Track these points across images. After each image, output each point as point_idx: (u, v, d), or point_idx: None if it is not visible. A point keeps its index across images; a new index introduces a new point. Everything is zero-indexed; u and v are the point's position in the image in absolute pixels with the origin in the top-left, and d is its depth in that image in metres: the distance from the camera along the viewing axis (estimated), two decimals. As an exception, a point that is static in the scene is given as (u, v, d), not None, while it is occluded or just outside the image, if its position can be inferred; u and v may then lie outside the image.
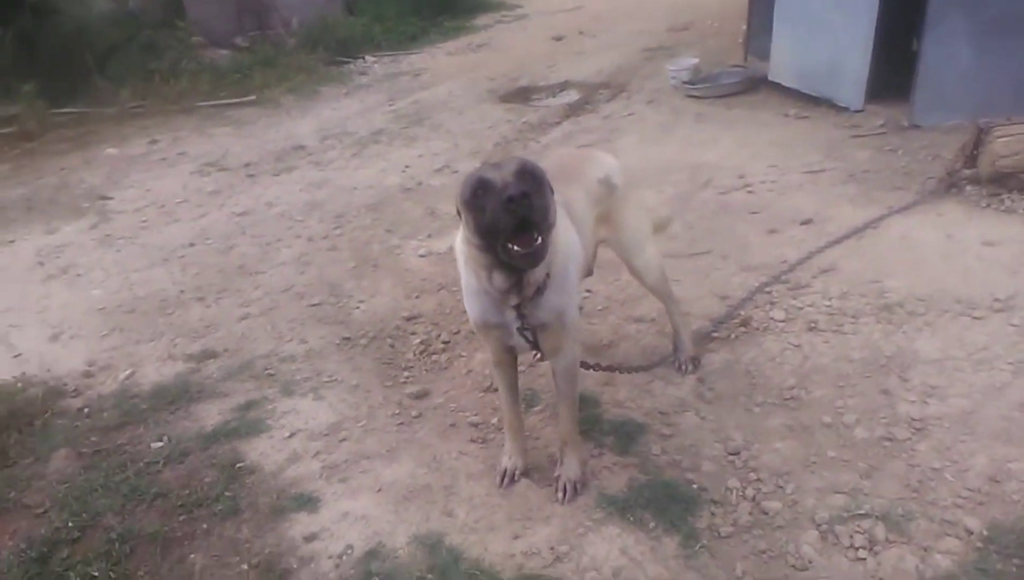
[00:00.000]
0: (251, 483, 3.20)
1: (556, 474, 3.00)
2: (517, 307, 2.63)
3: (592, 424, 3.32)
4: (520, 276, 2.53)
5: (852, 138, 6.16)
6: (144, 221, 6.47)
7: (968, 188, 4.85)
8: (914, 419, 3.11)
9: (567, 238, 2.73)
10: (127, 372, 4.14)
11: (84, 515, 3.09)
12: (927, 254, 4.23)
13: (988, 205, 4.68)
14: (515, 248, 2.34)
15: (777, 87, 7.67)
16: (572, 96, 9.27)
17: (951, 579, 2.45)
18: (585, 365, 3.30)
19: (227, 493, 3.15)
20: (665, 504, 2.85)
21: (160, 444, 3.50)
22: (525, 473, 3.08)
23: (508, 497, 2.99)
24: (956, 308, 3.73)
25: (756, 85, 7.99)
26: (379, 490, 3.09)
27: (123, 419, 3.71)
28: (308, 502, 3.06)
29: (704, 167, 6.00)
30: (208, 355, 4.23)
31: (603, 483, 3.00)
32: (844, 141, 6.12)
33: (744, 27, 8.81)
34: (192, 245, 5.81)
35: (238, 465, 3.31)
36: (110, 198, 7.16)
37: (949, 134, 5.66)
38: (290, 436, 3.47)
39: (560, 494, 2.94)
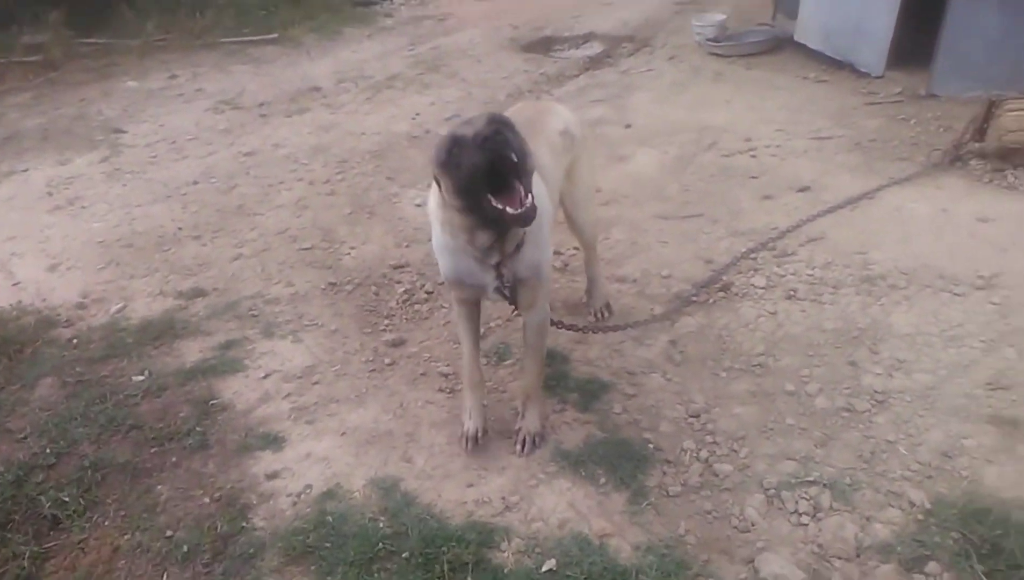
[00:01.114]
0: (222, 420, 3.30)
1: (517, 427, 3.05)
2: (496, 265, 2.64)
3: (559, 380, 3.37)
4: (501, 234, 2.52)
5: (866, 105, 6.01)
6: (153, 157, 6.55)
7: (973, 162, 4.75)
8: (876, 392, 3.11)
9: (538, 192, 2.73)
10: (118, 306, 4.25)
11: (62, 442, 3.21)
12: (918, 228, 4.17)
13: (991, 180, 4.58)
14: (507, 210, 2.29)
15: (802, 48, 7.48)
16: (595, 48, 9.15)
17: (887, 548, 2.48)
18: (558, 324, 3.32)
19: (198, 428, 3.25)
20: (618, 461, 2.91)
21: (141, 378, 3.61)
22: (485, 429, 3.10)
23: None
24: (938, 283, 3.69)
25: (781, 45, 7.80)
26: (343, 433, 3.17)
27: (109, 351, 3.82)
28: (274, 441, 3.15)
29: (711, 129, 5.91)
30: (197, 293, 4.32)
31: (561, 438, 3.05)
32: (857, 108, 5.98)
33: (776, -17, 8.58)
34: (196, 183, 5.88)
35: (211, 402, 3.41)
36: (124, 132, 7.25)
37: (966, 106, 5.44)
38: (265, 377, 3.56)
39: (519, 446, 2.99)
